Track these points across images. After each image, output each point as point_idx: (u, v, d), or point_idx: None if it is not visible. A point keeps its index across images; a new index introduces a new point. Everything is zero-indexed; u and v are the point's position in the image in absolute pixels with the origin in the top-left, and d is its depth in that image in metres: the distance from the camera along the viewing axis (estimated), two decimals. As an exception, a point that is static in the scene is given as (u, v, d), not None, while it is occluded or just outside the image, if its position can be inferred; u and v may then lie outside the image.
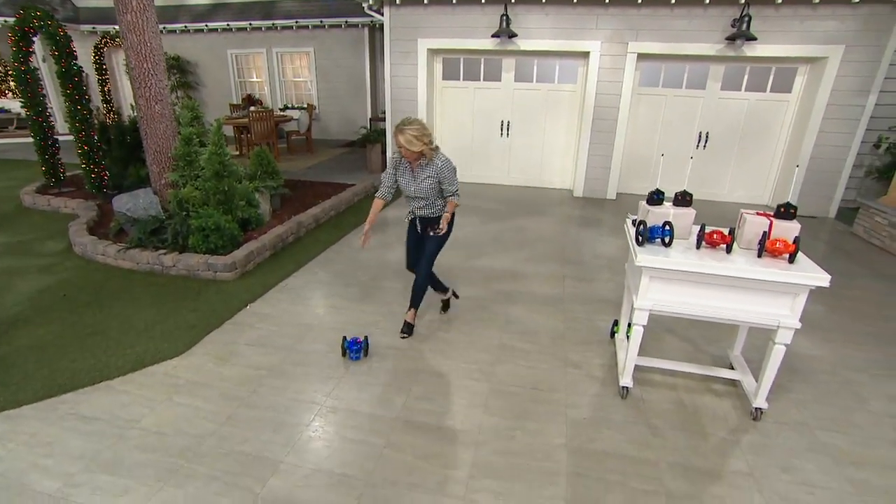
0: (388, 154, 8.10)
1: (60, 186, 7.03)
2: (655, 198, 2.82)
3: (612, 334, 3.56)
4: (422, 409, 2.78)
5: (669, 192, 2.72)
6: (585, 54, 6.98)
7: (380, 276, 4.51)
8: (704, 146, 7.21)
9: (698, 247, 2.66)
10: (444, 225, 3.23)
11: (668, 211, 2.75)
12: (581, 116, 7.35)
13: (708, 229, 2.67)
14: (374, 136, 8.12)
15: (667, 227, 2.66)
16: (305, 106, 10.76)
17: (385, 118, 8.11)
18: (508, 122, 7.85)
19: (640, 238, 2.69)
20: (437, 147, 3.13)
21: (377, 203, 3.33)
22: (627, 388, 2.92)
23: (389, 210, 6.66)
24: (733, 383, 3.03)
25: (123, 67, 12.42)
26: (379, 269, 4.64)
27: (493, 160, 8.18)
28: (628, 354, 2.87)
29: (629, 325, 3.40)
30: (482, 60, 7.61)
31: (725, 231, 2.69)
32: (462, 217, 6.42)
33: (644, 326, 2.76)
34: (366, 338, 3.28)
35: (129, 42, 4.84)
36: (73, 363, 3.15)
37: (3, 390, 2.87)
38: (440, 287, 3.72)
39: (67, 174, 7.23)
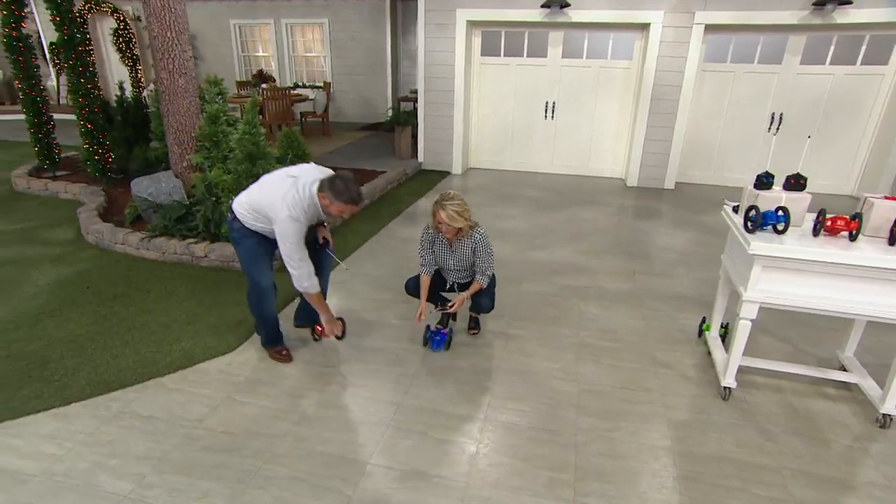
0: (420, 142, 8.25)
1: (55, 169, 7.14)
2: (765, 181, 2.91)
3: (701, 333, 3.66)
4: (510, 409, 2.88)
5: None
6: (645, 26, 7.07)
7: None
8: (777, 129, 7.27)
9: (816, 234, 2.74)
10: (458, 305, 3.37)
11: (780, 195, 2.83)
12: (637, 97, 7.44)
13: (829, 215, 2.75)
14: (405, 118, 8.23)
15: (781, 213, 2.74)
16: (321, 84, 10.89)
17: (415, 98, 8.21)
18: (554, 102, 7.95)
19: (751, 225, 2.77)
20: (476, 223, 3.32)
21: (425, 279, 3.45)
22: (730, 389, 3.00)
23: (427, 200, 6.80)
24: (847, 387, 3.11)
25: (111, 38, 12.56)
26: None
27: (535, 146, 8.28)
28: (732, 353, 2.95)
29: (723, 325, 3.52)
30: (526, 34, 7.70)
31: (848, 217, 2.76)
32: (509, 207, 6.53)
33: (752, 321, 2.84)
34: (451, 329, 3.42)
35: (151, 8, 4.94)
36: (116, 359, 3.27)
37: (47, 387, 2.99)
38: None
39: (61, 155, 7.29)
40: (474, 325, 3.66)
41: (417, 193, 7.08)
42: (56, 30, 6.09)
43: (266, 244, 3.09)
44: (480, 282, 3.36)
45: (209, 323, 3.69)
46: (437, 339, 3.37)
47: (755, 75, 7.18)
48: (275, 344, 3.35)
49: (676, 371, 3.29)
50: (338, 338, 3.30)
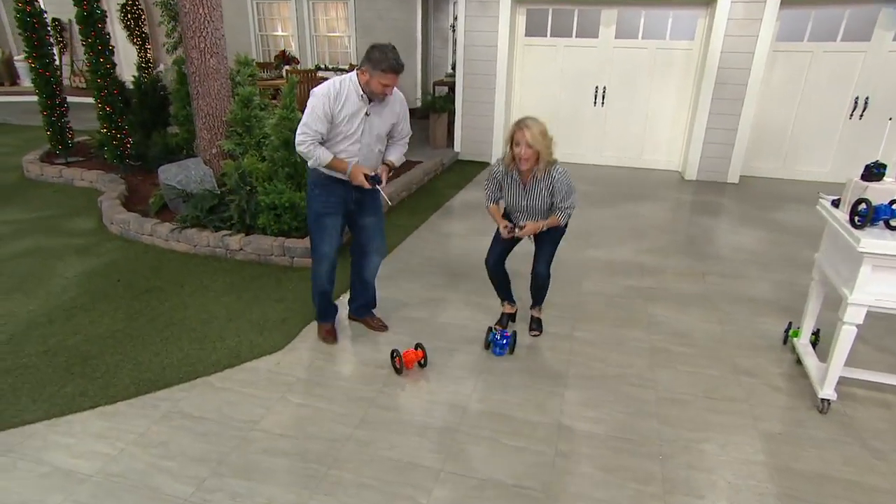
0: (457, 130, 8.31)
1: (67, 155, 7.30)
2: (875, 172, 2.89)
3: (787, 339, 3.64)
4: (584, 417, 2.91)
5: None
6: (710, 2, 7.02)
7: (482, 264, 4.65)
8: (861, 116, 7.16)
9: (935, 230, 2.71)
10: (530, 230, 3.36)
11: (894, 188, 2.81)
12: (698, 81, 7.40)
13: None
14: (441, 103, 8.28)
15: (896, 207, 2.72)
16: (347, 67, 10.99)
17: (452, 82, 8.26)
18: (604, 87, 7.95)
19: (859, 220, 2.75)
20: (556, 159, 3.29)
21: (493, 208, 3.50)
22: (829, 401, 2.99)
23: (466, 193, 6.86)
24: (964, 402, 3.08)
25: (118, 14, 12.79)
26: (479, 256, 4.77)
27: (583, 135, 8.29)
28: (832, 361, 2.93)
29: (813, 331, 3.50)
30: (576, 12, 7.71)
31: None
32: (558, 200, 6.54)
33: (858, 326, 2.83)
34: (514, 332, 3.46)
35: (183, -17, 5.08)
36: (158, 356, 3.37)
37: (91, 384, 3.09)
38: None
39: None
40: (536, 327, 3.70)
41: (456, 186, 7.13)
42: (75, 4, 6.22)
43: (335, 215, 3.24)
44: (559, 217, 3.33)
45: (251, 320, 3.77)
46: (501, 342, 3.41)
47: (837, 55, 7.06)
48: (323, 318, 3.57)
49: (762, 380, 3.29)
50: (420, 365, 3.30)
